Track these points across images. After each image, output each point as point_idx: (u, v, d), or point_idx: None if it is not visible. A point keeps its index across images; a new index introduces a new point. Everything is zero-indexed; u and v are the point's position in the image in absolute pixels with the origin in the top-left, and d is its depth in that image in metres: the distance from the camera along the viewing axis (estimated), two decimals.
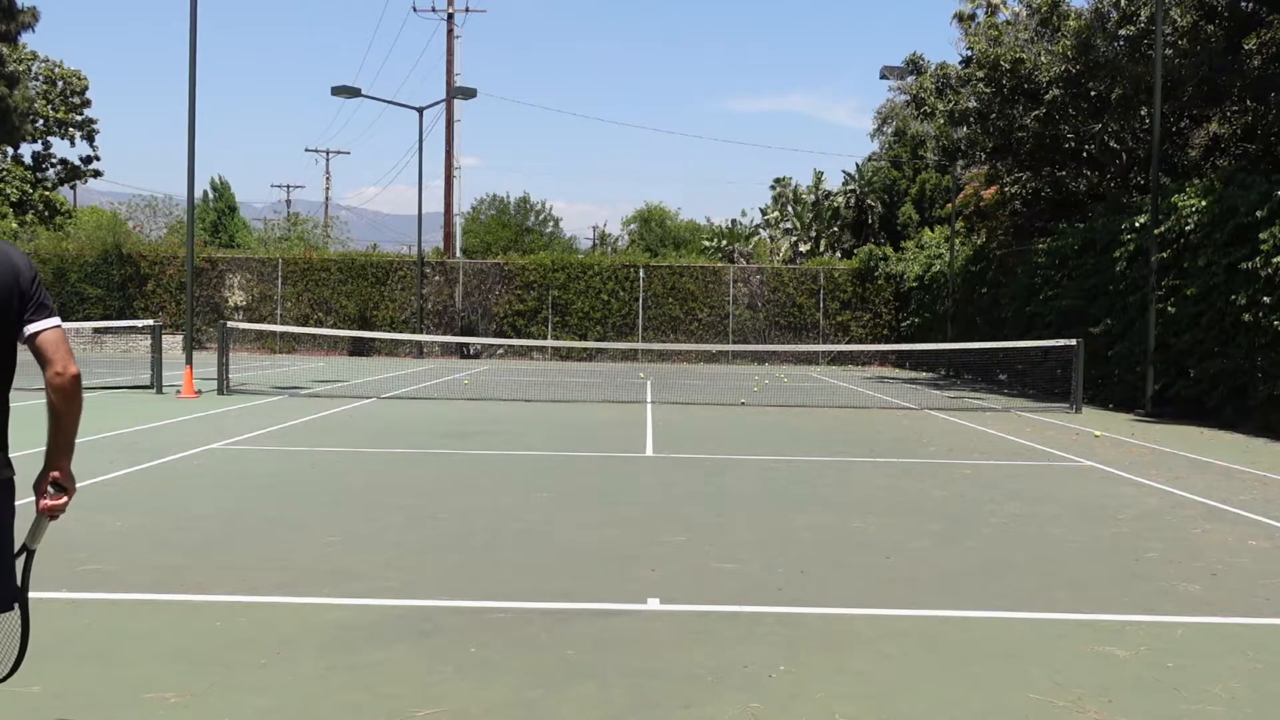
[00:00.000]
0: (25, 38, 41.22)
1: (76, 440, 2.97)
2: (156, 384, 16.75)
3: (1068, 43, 20.05)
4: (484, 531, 6.67)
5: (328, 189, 68.42)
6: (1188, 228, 15.66)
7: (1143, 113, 20.19)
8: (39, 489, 2.94)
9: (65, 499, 2.98)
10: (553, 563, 5.86)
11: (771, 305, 33.95)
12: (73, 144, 49.89)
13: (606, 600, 5.06)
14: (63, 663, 4.03)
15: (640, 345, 27.59)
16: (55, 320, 2.87)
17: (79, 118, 49.41)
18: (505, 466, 9.59)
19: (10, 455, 2.90)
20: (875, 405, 17.39)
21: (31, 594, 5.00)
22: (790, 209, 56.00)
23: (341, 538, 6.35)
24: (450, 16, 38.10)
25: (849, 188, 50.13)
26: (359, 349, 32.43)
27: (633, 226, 67.86)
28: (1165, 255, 16.10)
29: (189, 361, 16.91)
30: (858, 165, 50.25)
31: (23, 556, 3.02)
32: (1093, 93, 20.12)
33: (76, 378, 2.86)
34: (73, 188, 53.29)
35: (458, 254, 38.11)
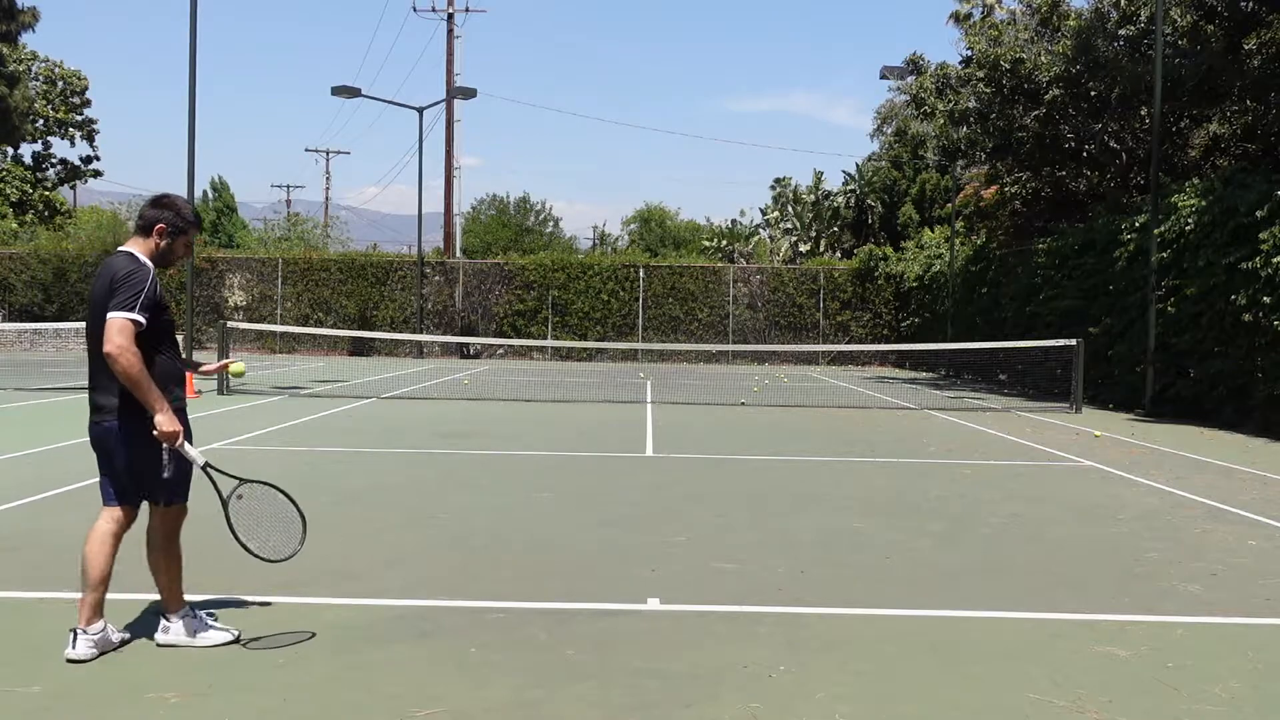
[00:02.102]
0: (25, 38, 41.22)
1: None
2: None
3: (1068, 43, 20.05)
4: (484, 531, 6.67)
5: (328, 189, 68.46)
6: (1188, 228, 15.65)
7: (1143, 113, 20.19)
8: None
9: (159, 435, 4.06)
10: (553, 563, 5.86)
11: (771, 305, 33.95)
12: (73, 144, 49.90)
13: (606, 600, 5.06)
14: (63, 663, 4.03)
15: (640, 345, 27.58)
16: (116, 312, 3.97)
17: (79, 118, 49.41)
18: (505, 466, 9.59)
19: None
20: (875, 405, 17.39)
21: (31, 594, 5.03)
22: (790, 209, 55.95)
23: (341, 538, 6.35)
24: (450, 16, 38.12)
25: (849, 188, 50.11)
26: (359, 349, 32.43)
27: (633, 226, 67.87)
28: (1165, 255, 16.10)
29: None
30: (858, 165, 50.26)
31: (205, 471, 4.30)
32: (1093, 93, 20.12)
33: (109, 354, 3.95)
34: (73, 188, 53.29)
35: (458, 254, 38.11)
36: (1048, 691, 3.92)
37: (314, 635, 4.44)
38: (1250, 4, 17.42)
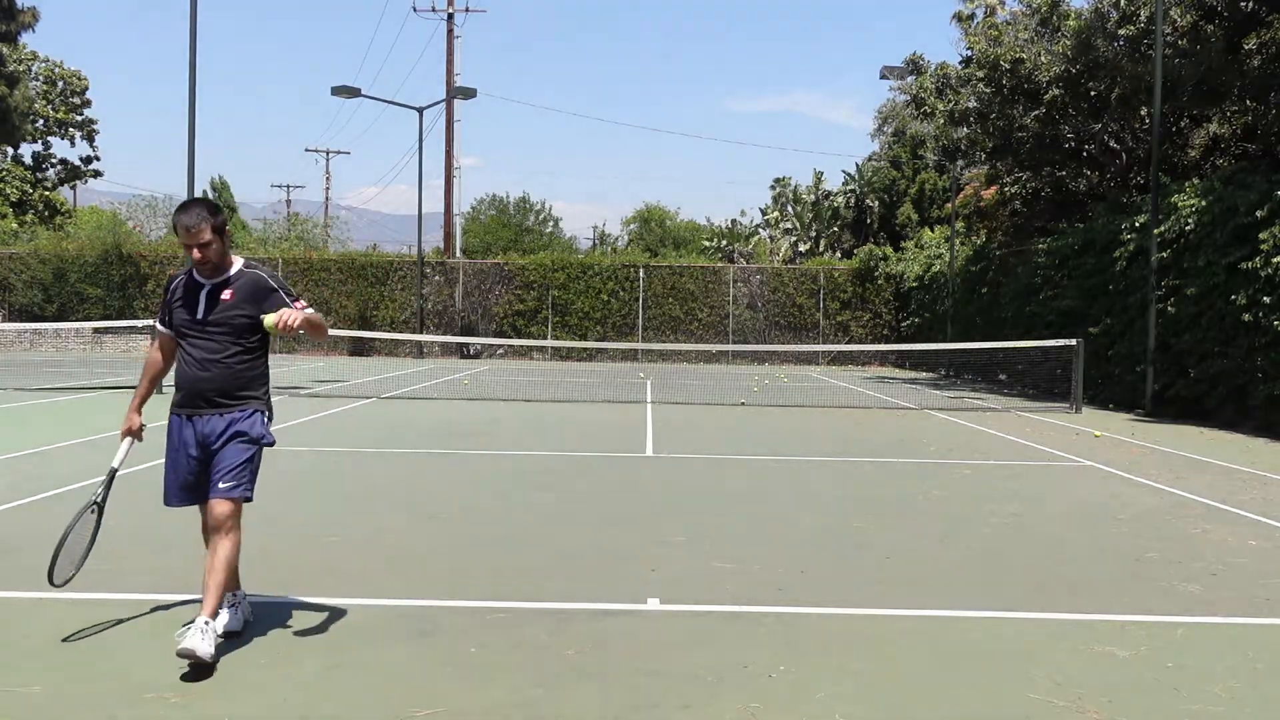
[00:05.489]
0: (25, 38, 41.21)
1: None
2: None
3: (1068, 43, 20.04)
4: (484, 531, 6.67)
5: (328, 189, 68.44)
6: (1188, 228, 15.65)
7: (1143, 113, 20.18)
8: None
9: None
10: (553, 563, 5.86)
11: (771, 305, 33.95)
12: (73, 144, 49.93)
13: (606, 600, 5.06)
14: (63, 663, 4.03)
15: (640, 345, 27.60)
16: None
17: (79, 118, 49.43)
18: (505, 466, 9.59)
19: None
20: (875, 405, 17.39)
21: (31, 594, 5.03)
22: (790, 209, 55.97)
23: (341, 538, 6.35)
24: (450, 16, 38.10)
25: (849, 188, 50.14)
26: (359, 349, 32.42)
27: (633, 226, 67.83)
28: (1165, 255, 16.10)
29: None
30: (858, 165, 50.29)
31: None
32: (1093, 93, 20.11)
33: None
34: (73, 188, 53.31)
35: (458, 254, 38.10)
36: (1048, 691, 3.92)
37: (314, 635, 4.44)
38: (1250, 4, 17.41)
